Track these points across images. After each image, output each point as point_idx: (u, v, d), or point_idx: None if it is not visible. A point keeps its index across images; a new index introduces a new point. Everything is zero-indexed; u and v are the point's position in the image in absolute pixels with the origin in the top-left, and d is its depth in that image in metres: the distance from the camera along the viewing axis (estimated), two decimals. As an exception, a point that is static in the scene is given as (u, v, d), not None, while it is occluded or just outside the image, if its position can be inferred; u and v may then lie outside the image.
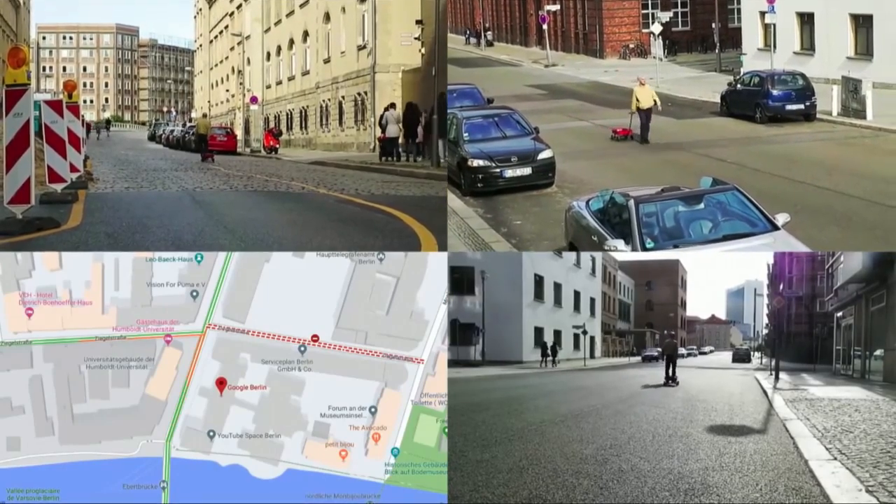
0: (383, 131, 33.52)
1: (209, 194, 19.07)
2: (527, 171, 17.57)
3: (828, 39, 31.06)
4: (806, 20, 32.34)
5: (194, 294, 6.87)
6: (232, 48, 63.28)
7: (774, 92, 25.17)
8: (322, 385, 6.86)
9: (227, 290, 6.87)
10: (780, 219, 10.48)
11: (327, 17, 49.79)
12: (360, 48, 44.83)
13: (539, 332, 39.62)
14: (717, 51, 40.02)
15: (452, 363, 27.52)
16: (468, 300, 33.59)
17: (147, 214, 14.83)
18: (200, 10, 73.37)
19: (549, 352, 37.47)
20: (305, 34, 54.17)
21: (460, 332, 32.21)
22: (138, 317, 6.83)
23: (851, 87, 24.96)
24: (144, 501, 6.73)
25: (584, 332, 44.27)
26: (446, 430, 6.95)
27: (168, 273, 6.87)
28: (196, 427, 6.82)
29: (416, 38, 34.68)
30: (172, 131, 55.19)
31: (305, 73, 54.48)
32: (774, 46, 31.53)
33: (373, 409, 6.88)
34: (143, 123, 66.08)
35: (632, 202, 10.65)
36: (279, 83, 59.50)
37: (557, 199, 16.77)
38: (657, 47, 38.90)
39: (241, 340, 6.85)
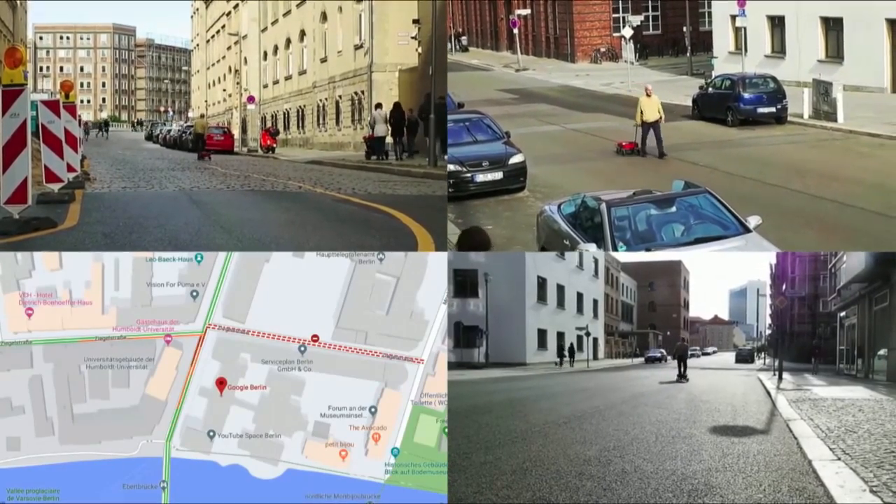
0: (371, 130, 33.88)
1: (206, 194, 19.07)
2: (498, 175, 17.50)
3: (798, 42, 31.36)
4: (777, 23, 32.56)
5: (194, 294, 6.86)
6: (229, 48, 63.24)
7: (745, 95, 25.39)
8: (322, 385, 6.85)
9: (227, 290, 6.86)
10: (752, 221, 10.55)
11: (324, 17, 49.78)
12: (357, 48, 44.83)
13: (542, 333, 39.73)
14: (688, 54, 40.27)
15: (456, 365, 27.70)
16: (472, 302, 33.70)
17: (144, 214, 14.84)
18: (197, 9, 73.33)
19: (566, 353, 38.84)
20: (302, 34, 54.15)
21: (464, 335, 32.39)
22: (138, 317, 6.81)
23: (822, 90, 25.20)
24: (144, 501, 6.71)
25: (587, 334, 44.35)
26: (446, 430, 6.95)
27: (168, 273, 6.86)
28: (196, 427, 6.81)
29: (412, 38, 34.73)
30: (170, 131, 55.19)
31: (302, 72, 54.47)
32: (745, 50, 31.96)
33: (373, 409, 6.88)
34: (140, 124, 66.01)
35: (604, 206, 10.70)
36: (276, 83, 59.48)
37: (529, 203, 16.77)
38: (628, 51, 38.87)
39: (241, 340, 6.84)
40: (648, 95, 22.27)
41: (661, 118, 21.98)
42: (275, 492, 6.78)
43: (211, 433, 6.81)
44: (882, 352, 22.84)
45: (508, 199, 17.32)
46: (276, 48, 59.09)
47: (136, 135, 59.58)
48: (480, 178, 17.41)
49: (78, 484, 6.70)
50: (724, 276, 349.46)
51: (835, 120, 24.33)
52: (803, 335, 47.06)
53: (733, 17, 32.75)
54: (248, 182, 23.28)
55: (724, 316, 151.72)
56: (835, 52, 30.20)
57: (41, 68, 58.94)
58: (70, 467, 6.71)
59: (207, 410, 6.81)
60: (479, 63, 51.41)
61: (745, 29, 31.71)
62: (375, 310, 6.91)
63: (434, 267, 6.98)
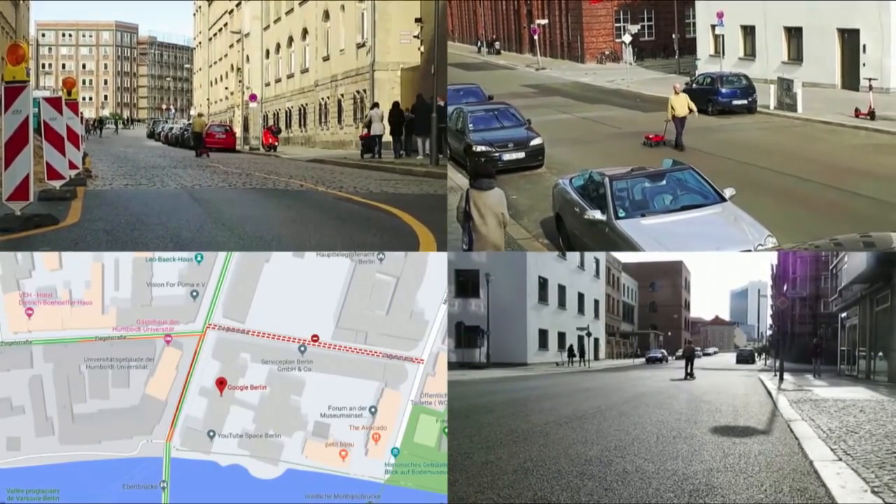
0: (368, 129, 34.43)
1: (208, 192, 19.05)
2: (521, 155, 20.61)
3: (766, 47, 37.17)
4: (748, 32, 38.52)
5: (194, 294, 6.85)
6: (231, 46, 63.24)
7: (723, 90, 29.74)
8: (322, 385, 6.85)
9: (227, 290, 6.86)
10: (728, 192, 12.50)
11: (326, 15, 49.75)
12: (360, 46, 44.80)
13: (543, 334, 39.70)
14: (676, 57, 46.62)
15: (458, 365, 27.71)
16: (473, 303, 33.71)
17: (145, 212, 14.81)
18: (200, 7, 73.32)
19: (576, 352, 40.27)
20: (305, 32, 54.12)
21: (465, 335, 32.42)
22: (138, 317, 6.82)
23: (785, 86, 29.70)
24: (144, 501, 6.72)
25: (589, 334, 44.33)
26: (446, 430, 6.95)
27: (168, 273, 6.86)
28: (196, 427, 6.81)
29: (415, 37, 34.71)
30: (171, 129, 55.17)
31: (304, 70, 54.44)
32: (723, 53, 38.39)
33: (373, 409, 6.88)
34: (139, 121, 65.97)
35: (607, 179, 12.68)
36: (278, 81, 59.45)
37: (546, 178, 19.28)
38: (628, 54, 45.60)
39: (241, 340, 6.84)
40: (677, 93, 23.79)
41: (692, 112, 23.41)
42: (275, 492, 6.78)
43: (211, 433, 6.81)
44: (882, 352, 22.81)
45: (529, 175, 20.03)
46: (278, 46, 59.04)
47: (128, 133, 59.50)
48: (507, 157, 20.42)
49: (78, 484, 6.71)
50: (725, 276, 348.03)
51: (795, 110, 28.50)
52: (804, 336, 46.95)
53: (713, 27, 38.83)
54: (250, 180, 23.26)
55: (726, 316, 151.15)
56: (795, 55, 35.62)
57: (43, 65, 58.97)
58: (70, 467, 6.71)
59: (207, 410, 6.82)
60: (505, 63, 58.25)
61: (723, 36, 38.29)
62: (375, 310, 6.91)
63: (434, 267, 6.98)
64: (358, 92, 44.75)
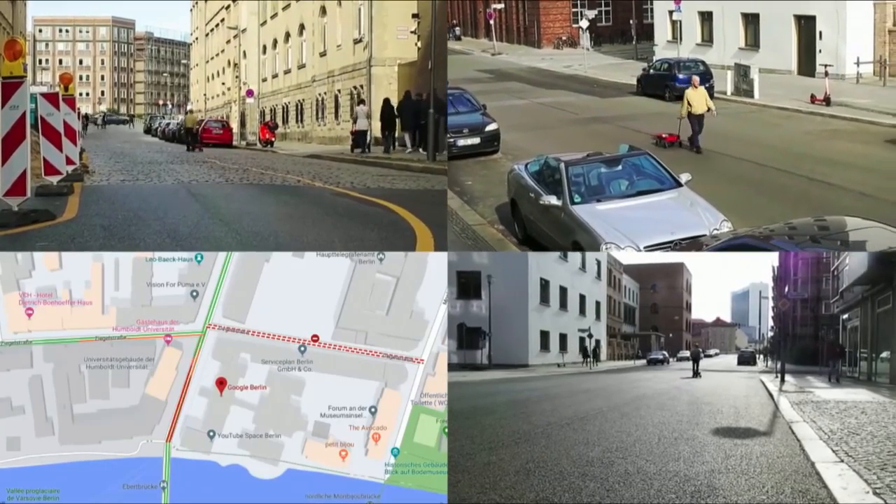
0: (354, 124, 35.08)
1: (205, 187, 19.03)
2: (476, 140, 20.81)
3: (723, 33, 37.64)
4: (706, 18, 39.03)
5: (194, 294, 6.84)
6: (228, 41, 63.14)
7: (680, 76, 29.74)
8: (322, 385, 6.85)
9: (226, 290, 6.85)
10: (684, 178, 12.64)
11: (323, 11, 49.67)
12: (357, 42, 44.74)
13: (545, 335, 39.72)
14: (633, 42, 47.75)
15: (459, 367, 27.75)
16: (475, 304, 33.78)
17: (143, 207, 14.79)
18: (197, 3, 73.19)
19: (590, 353, 41.62)
20: (301, 27, 54.03)
21: (467, 336, 32.51)
22: (138, 317, 6.81)
23: (742, 72, 30.09)
24: (144, 501, 6.71)
25: (590, 336, 44.43)
26: (446, 430, 6.94)
27: (168, 273, 6.85)
28: (196, 427, 6.80)
29: (412, 32, 34.69)
30: (168, 124, 55.03)
31: (301, 66, 54.35)
32: (680, 39, 38.08)
33: (373, 409, 6.87)
34: (138, 117, 65.81)
35: (563, 165, 12.74)
36: (275, 76, 59.35)
37: (501, 163, 19.62)
38: (585, 39, 46.91)
39: (241, 340, 6.83)
40: (695, 87, 21.45)
41: (710, 110, 21.22)
42: (275, 492, 6.78)
43: (211, 433, 6.80)
44: (885, 354, 22.80)
45: (485, 160, 20.31)
46: (275, 42, 58.94)
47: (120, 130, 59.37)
48: (462, 142, 20.63)
49: (78, 484, 6.70)
50: (727, 277, 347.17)
51: (752, 96, 28.98)
52: (806, 337, 46.95)
53: (671, 12, 38.66)
54: (247, 175, 23.22)
55: (727, 318, 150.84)
56: (752, 41, 36.23)
57: (40, 61, 58.81)
58: (70, 467, 6.70)
59: (207, 410, 6.81)
60: (461, 48, 58.88)
61: (680, 22, 37.88)
62: (375, 310, 6.91)
63: (434, 267, 6.98)
64: (355, 87, 44.67)
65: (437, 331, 6.92)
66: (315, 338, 6.86)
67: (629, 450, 9.12)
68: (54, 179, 15.40)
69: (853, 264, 24.70)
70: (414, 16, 34.47)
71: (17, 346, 6.74)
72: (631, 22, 49.11)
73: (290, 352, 6.85)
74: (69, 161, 17.17)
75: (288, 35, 56.75)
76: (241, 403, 6.81)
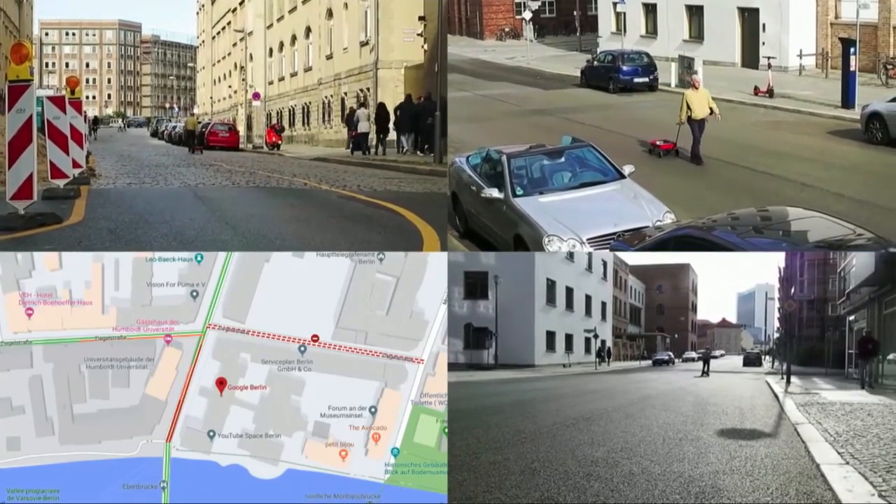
0: (354, 128, 35.49)
1: (211, 190, 19.07)
2: None
3: (668, 25, 37.71)
4: (650, 10, 39.07)
5: (194, 294, 6.85)
6: (234, 44, 63.24)
7: (624, 68, 30.31)
8: (322, 385, 6.85)
9: (227, 290, 6.85)
10: (627, 169, 12.79)
11: (330, 14, 49.72)
12: (363, 44, 44.78)
13: (551, 335, 39.76)
14: (577, 34, 48.04)
15: (466, 366, 27.78)
16: (481, 304, 33.87)
17: (149, 210, 14.83)
18: (203, 6, 73.33)
19: (603, 354, 42.99)
20: (308, 30, 54.09)
21: (474, 336, 32.60)
22: (138, 317, 6.81)
23: (686, 64, 29.96)
24: (144, 501, 6.72)
25: (596, 336, 44.46)
26: (446, 430, 6.94)
27: (168, 273, 6.86)
28: (196, 427, 6.81)
29: (418, 35, 34.75)
30: (174, 127, 55.12)
31: (308, 69, 54.40)
32: (624, 31, 38.64)
33: (373, 409, 6.88)
34: (148, 120, 65.94)
35: (504, 157, 12.72)
36: (281, 79, 59.42)
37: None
38: (528, 31, 46.06)
39: (241, 340, 6.84)
40: (696, 88, 19.18)
41: (713, 114, 18.96)
42: (275, 492, 6.78)
43: (211, 433, 6.81)
44: (891, 356, 22.69)
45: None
46: (281, 45, 59.02)
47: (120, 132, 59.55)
48: None
49: (78, 484, 6.71)
50: (732, 278, 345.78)
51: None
52: (811, 339, 46.78)
53: (615, 4, 39.29)
54: (254, 178, 23.27)
55: (732, 319, 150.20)
56: (697, 33, 36.35)
57: (47, 64, 58.98)
58: (70, 467, 6.71)
59: (207, 410, 6.81)
60: None
61: (624, 14, 38.56)
62: (375, 310, 6.91)
63: (434, 267, 6.97)
64: (361, 90, 44.70)
65: (437, 331, 6.92)
66: (315, 338, 6.87)
67: (634, 450, 9.11)
68: (61, 183, 15.46)
69: (860, 266, 24.64)
70: (420, 18, 34.54)
71: (17, 346, 6.75)
72: (575, 13, 49.40)
73: (290, 352, 6.86)
74: (76, 164, 17.23)
75: (294, 38, 56.81)
76: (241, 403, 6.82)
